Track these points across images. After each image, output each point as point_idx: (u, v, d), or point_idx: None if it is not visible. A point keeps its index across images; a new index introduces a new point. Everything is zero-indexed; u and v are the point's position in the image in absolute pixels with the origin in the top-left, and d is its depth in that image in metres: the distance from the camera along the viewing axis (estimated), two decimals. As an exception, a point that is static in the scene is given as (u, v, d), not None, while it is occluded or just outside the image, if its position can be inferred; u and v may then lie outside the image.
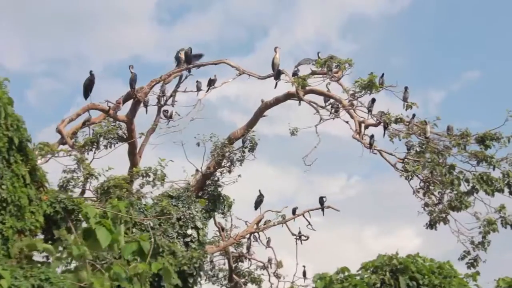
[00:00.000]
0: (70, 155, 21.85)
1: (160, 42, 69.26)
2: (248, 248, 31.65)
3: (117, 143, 24.11)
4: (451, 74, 71.62)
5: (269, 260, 31.74)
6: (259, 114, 25.89)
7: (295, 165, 65.51)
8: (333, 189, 63.67)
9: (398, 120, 23.01)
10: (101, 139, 23.63)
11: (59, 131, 22.55)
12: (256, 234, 30.76)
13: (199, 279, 24.38)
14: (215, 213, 26.66)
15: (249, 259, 32.39)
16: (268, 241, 30.99)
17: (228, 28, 74.28)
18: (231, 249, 31.77)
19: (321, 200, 29.34)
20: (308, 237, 30.45)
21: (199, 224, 24.69)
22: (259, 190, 29.25)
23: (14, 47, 69.41)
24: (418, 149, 23.45)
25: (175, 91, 25.87)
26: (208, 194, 26.07)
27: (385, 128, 23.20)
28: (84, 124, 23.40)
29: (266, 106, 25.70)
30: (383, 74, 24.09)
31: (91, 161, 22.50)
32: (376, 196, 58.30)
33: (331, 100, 24.97)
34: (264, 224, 30.32)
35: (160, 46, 71.23)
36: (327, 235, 55.53)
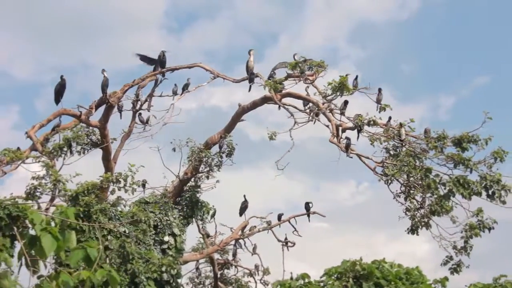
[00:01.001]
0: (39, 161, 21.51)
1: (169, 50, 68.64)
2: (234, 255, 31.25)
3: (90, 148, 23.69)
4: (461, 80, 71.85)
5: (256, 267, 31.33)
6: (236, 118, 25.49)
7: (302, 172, 65.68)
8: (343, 196, 63.89)
9: (370, 123, 22.55)
10: (74, 144, 23.22)
11: (29, 137, 22.21)
12: (241, 240, 30.36)
13: (176, 286, 24.13)
14: (194, 219, 26.11)
15: (235, 266, 32.01)
16: (254, 248, 30.58)
17: (236, 35, 75.65)
18: (217, 256, 31.39)
19: (307, 205, 28.88)
20: (294, 243, 30.03)
21: (176, 230, 24.46)
22: (244, 196, 28.87)
23: (22, 56, 69.88)
24: (392, 152, 22.99)
25: (150, 95, 25.50)
26: (186, 200, 25.64)
27: (359, 131, 22.75)
28: (53, 130, 23.02)
29: (243, 110, 25.31)
30: (357, 76, 23.73)
31: (60, 167, 22.14)
32: (385, 202, 58.17)
33: (311, 104, 24.50)
34: (250, 231, 29.92)
35: (169, 54, 70.97)
36: (337, 241, 55.44)
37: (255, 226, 29.76)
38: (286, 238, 29.85)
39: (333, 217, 61.74)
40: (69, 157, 22.61)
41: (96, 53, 69.36)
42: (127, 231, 22.73)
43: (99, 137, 24.00)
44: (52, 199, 21.75)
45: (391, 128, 23.02)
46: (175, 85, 25.76)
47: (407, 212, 24.47)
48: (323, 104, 23.12)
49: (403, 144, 22.93)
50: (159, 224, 24.22)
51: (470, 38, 69.85)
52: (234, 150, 25.19)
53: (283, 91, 24.38)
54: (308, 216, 28.92)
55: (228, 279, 32.18)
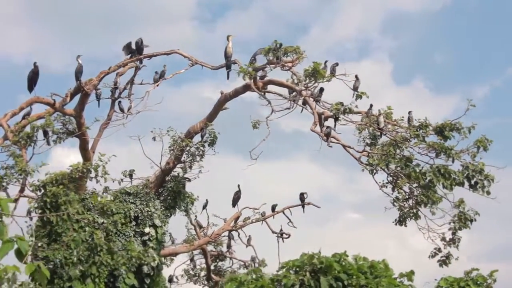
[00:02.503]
0: (8, 150, 20.98)
1: (201, 41, 70.50)
2: (228, 246, 30.75)
3: (66, 138, 23.07)
4: (494, 69, 71.66)
5: (252, 259, 30.79)
6: (218, 106, 24.72)
7: (337, 163, 65.56)
8: (375, 186, 63.34)
9: (346, 111, 21.73)
10: (50, 133, 22.61)
11: (0, 125, 21.65)
12: (236, 232, 29.94)
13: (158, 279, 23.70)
14: (178, 210, 25.46)
15: (230, 258, 31.50)
16: (249, 240, 30.14)
17: (268, 25, 74.33)
18: (211, 247, 30.93)
19: (302, 196, 28.65)
20: (289, 235, 29.54)
21: (157, 222, 23.99)
22: (238, 186, 28.64)
23: (57, 48, 69.72)
24: (368, 141, 22.22)
25: (129, 83, 24.86)
26: (168, 191, 25.03)
27: (336, 119, 21.98)
28: (23, 118, 22.40)
29: (225, 98, 24.54)
30: (337, 64, 22.94)
31: (31, 157, 21.54)
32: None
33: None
34: (244, 221, 29.50)
35: (201, 45, 71.60)
36: (368, 231, 55.34)
37: (249, 217, 29.37)
38: (281, 230, 29.42)
39: (366, 208, 61.28)
40: (40, 146, 21.92)
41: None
42: (104, 222, 22.26)
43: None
44: (22, 190, 21.28)
45: (371, 116, 22.27)
46: (156, 72, 25.13)
47: (395, 203, 23.75)
48: (300, 92, 22.28)
49: (383, 133, 22.20)
50: (139, 215, 23.72)
51: (503, 28, 69.23)
52: (216, 139, 24.54)
53: (266, 78, 23.68)
54: (303, 207, 28.61)
55: (223, 271, 31.67)
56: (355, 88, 22.40)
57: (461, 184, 21.50)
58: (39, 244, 21.24)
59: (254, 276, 14.92)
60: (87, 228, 21.47)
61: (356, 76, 22.59)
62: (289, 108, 22.53)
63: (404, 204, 23.67)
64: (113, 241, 22.83)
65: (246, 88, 23.71)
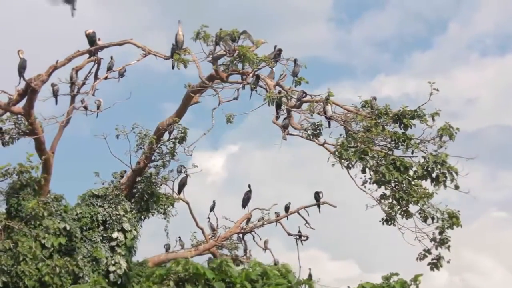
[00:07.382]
0: None
1: (339, 42, 71.32)
2: (245, 250, 28.97)
3: (19, 138, 21.94)
4: None
5: (275, 264, 28.91)
6: (186, 101, 22.84)
7: (477, 160, 63.98)
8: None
9: (283, 98, 19.52)
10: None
11: None
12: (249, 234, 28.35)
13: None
14: (155, 212, 23.89)
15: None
16: (265, 243, 28.50)
17: (406, 24, 75.12)
18: (225, 251, 29.29)
19: (317, 195, 26.73)
20: (307, 237, 27.70)
21: (126, 226, 22.56)
22: (249, 185, 26.97)
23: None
24: (310, 132, 19.92)
25: (87, 77, 23.27)
26: (139, 193, 23.44)
27: (277, 108, 19.82)
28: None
29: (192, 91, 22.69)
30: (280, 49, 21.33)
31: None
32: None
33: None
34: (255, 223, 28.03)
35: (340, 46, 72.74)
36: None
37: (263, 218, 28.01)
38: (299, 231, 27.93)
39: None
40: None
41: (266, 46, 69.82)
42: (68, 227, 20.97)
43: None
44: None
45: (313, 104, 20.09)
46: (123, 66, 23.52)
47: (382, 200, 21.30)
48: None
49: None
50: (107, 219, 22.31)
51: None
52: (186, 135, 22.85)
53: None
54: (318, 206, 26.91)
55: (241, 277, 29.88)
56: (294, 74, 20.27)
57: (423, 178, 19.07)
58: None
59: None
60: (46, 235, 20.34)
61: (295, 61, 20.58)
62: (236, 98, 20.51)
63: (392, 201, 21.17)
64: (78, 247, 21.56)
65: (210, 78, 21.77)
